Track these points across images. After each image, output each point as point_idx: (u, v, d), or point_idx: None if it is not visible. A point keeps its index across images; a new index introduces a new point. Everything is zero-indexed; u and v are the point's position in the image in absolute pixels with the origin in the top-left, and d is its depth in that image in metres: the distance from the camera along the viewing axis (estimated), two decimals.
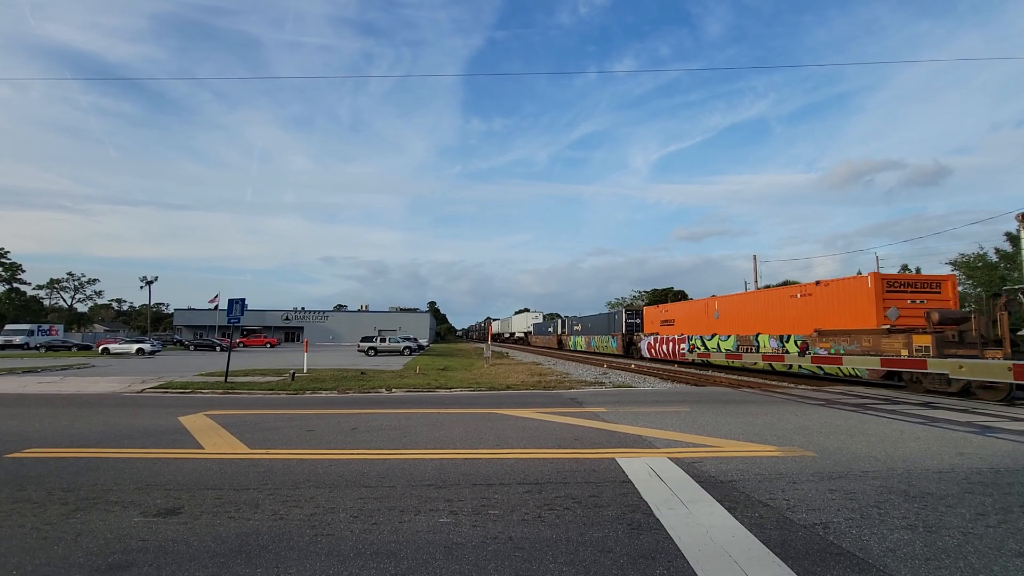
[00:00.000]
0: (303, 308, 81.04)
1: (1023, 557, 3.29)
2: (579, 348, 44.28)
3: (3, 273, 70.28)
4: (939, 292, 15.34)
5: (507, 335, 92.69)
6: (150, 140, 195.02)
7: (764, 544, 3.51)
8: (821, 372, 16.48)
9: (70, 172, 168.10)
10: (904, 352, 13.42)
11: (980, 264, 42.53)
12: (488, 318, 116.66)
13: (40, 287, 79.75)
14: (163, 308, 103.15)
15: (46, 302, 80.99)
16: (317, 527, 3.87)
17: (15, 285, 71.74)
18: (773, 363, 18.11)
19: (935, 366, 12.16)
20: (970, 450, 6.39)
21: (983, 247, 44.15)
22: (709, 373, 20.70)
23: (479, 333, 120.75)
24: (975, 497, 4.51)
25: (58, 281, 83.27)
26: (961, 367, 11.50)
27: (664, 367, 24.40)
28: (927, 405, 10.73)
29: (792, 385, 15.71)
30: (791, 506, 4.30)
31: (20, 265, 71.59)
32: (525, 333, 74.62)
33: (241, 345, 57.21)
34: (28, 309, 71.77)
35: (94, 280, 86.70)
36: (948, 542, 3.53)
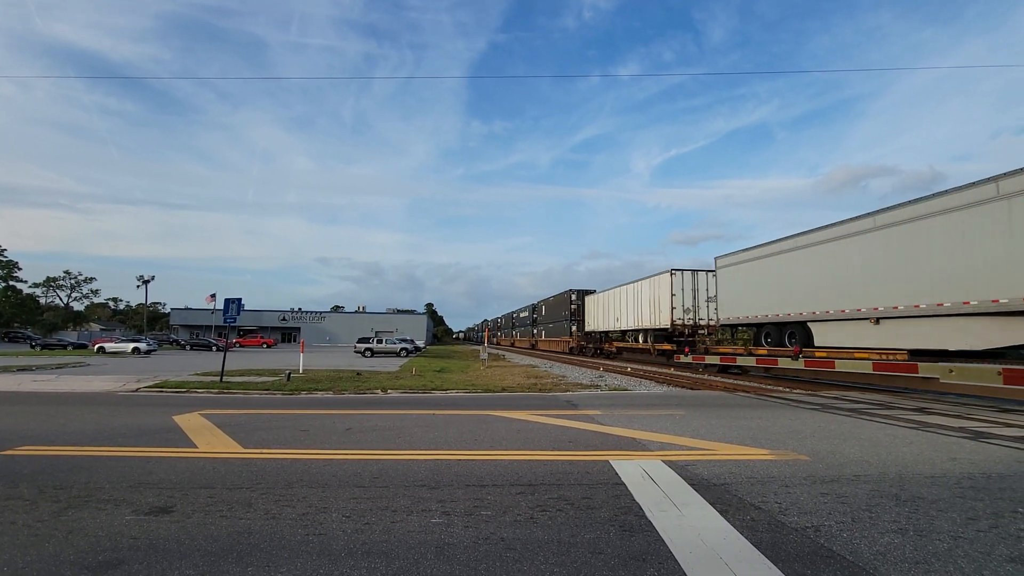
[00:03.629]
0: (300, 309, 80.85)
1: (1013, 562, 3.30)
2: None
3: (0, 271, 70.02)
4: None
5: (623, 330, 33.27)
6: (152, 140, 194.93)
7: (755, 547, 3.52)
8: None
9: (71, 171, 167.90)
10: None
11: None
12: (485, 320, 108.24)
13: (36, 285, 79.43)
14: (160, 307, 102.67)
15: (42, 300, 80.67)
16: (309, 526, 3.87)
17: (11, 283, 71.47)
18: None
19: (925, 370, 12.21)
20: (962, 455, 6.41)
21: None
22: (705, 377, 20.71)
23: (480, 335, 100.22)
24: (966, 502, 4.53)
25: (55, 279, 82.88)
26: (951, 371, 11.55)
27: (660, 371, 24.39)
28: (921, 410, 10.76)
29: (787, 389, 15.74)
30: (783, 509, 4.31)
31: (17, 263, 71.37)
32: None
33: (237, 345, 57.03)
34: (24, 307, 71.52)
35: (91, 279, 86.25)
36: (938, 546, 3.55)
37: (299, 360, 21.40)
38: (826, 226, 15.92)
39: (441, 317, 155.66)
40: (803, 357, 16.51)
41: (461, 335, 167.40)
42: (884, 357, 13.70)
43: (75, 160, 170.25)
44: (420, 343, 51.59)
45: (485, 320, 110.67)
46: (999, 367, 10.55)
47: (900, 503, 4.48)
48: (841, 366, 14.86)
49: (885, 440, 7.36)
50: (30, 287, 76.58)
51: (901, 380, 13.41)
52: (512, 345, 75.43)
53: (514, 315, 74.86)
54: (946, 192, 12.23)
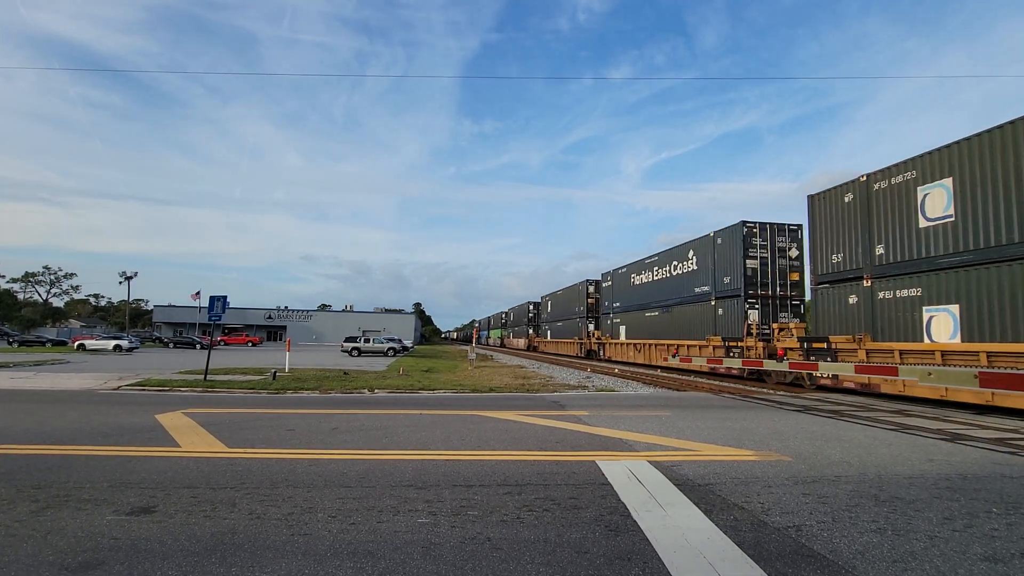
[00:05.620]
0: (286, 307, 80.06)
1: (987, 561, 3.38)
2: None
3: None
4: None
5: None
6: (138, 134, 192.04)
7: (738, 546, 3.57)
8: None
9: (52, 163, 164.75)
10: None
11: None
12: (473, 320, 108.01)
13: (15, 280, 77.80)
14: (143, 304, 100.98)
15: (20, 296, 78.99)
16: (294, 526, 3.85)
17: None
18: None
19: (905, 373, 12.44)
20: (939, 456, 6.55)
21: None
22: (691, 378, 20.89)
23: (483, 335, 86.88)
24: (943, 502, 4.63)
25: (33, 274, 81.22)
26: (930, 374, 11.77)
27: (648, 372, 24.57)
28: (901, 412, 10.97)
29: (771, 391, 15.94)
30: (766, 509, 4.37)
31: None
32: None
33: (222, 343, 56.36)
34: (1, 303, 69.99)
35: (71, 274, 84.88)
36: (915, 545, 3.63)
37: (285, 359, 21.20)
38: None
39: (429, 317, 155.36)
40: (787, 360, 16.73)
41: (454, 334, 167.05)
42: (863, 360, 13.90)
43: (57, 153, 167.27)
44: (408, 343, 51.22)
45: (474, 320, 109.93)
46: (975, 371, 10.75)
47: (879, 503, 4.57)
48: (824, 368, 15.09)
49: (865, 441, 7.49)
50: (8, 282, 75.11)
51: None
52: (555, 356, 39.60)
53: (559, 297, 42.16)
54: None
